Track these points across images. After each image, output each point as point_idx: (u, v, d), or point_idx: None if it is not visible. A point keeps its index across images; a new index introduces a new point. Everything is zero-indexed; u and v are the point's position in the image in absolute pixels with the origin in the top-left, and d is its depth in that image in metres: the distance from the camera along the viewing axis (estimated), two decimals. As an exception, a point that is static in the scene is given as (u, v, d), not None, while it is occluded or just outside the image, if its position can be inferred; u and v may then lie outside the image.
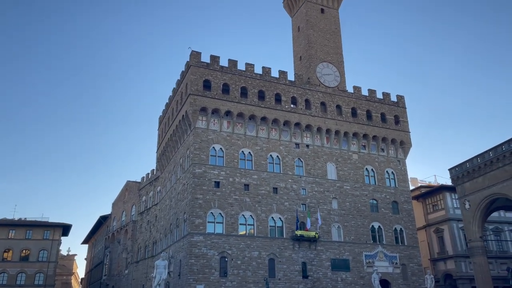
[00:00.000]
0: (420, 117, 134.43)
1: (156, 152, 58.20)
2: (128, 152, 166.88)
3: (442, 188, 53.64)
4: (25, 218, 69.80)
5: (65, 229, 69.14)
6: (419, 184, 62.15)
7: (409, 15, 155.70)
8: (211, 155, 42.52)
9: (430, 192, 55.37)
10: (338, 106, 50.15)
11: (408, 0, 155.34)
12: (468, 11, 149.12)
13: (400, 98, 54.56)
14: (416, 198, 55.71)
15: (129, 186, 67.82)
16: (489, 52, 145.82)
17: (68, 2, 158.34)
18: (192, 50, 44.49)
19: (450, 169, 44.28)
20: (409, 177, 52.76)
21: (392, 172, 50.92)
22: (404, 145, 52.23)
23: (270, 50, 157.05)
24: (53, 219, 70.99)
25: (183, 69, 47.11)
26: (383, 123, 51.89)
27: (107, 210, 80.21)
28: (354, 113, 50.72)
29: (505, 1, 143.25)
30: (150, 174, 61.30)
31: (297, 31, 57.32)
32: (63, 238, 70.57)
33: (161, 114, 58.04)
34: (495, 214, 48.80)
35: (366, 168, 49.65)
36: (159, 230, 52.44)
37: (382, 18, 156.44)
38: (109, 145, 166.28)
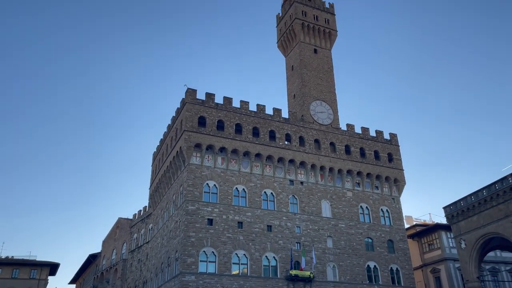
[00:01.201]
0: (414, 154, 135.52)
1: (149, 188, 57.66)
2: (120, 188, 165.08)
3: (438, 227, 53.22)
4: (12, 257, 67.75)
5: (53, 268, 67.05)
6: (414, 223, 61.66)
7: (401, 53, 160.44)
8: (204, 192, 42.17)
9: (425, 231, 54.84)
10: (332, 144, 50.54)
11: (400, 39, 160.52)
12: (462, 48, 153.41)
13: (393, 136, 55.22)
14: (412, 237, 55.09)
15: (121, 223, 66.57)
16: (482, 90, 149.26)
17: (58, 38, 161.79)
18: (188, 88, 45.21)
19: (444, 208, 44.15)
20: (404, 215, 52.48)
21: (386, 210, 50.65)
22: (398, 183, 52.30)
23: (264, 88, 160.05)
24: (41, 257, 68.79)
25: (179, 106, 47.61)
26: (377, 160, 52.18)
27: (97, 248, 78.36)
28: (347, 150, 51.06)
29: (497, 40, 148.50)
30: (142, 211, 60.40)
31: (291, 70, 58.69)
32: (50, 278, 68.34)
33: (155, 150, 58.03)
34: (491, 253, 48.28)
35: (361, 206, 49.38)
36: (150, 269, 51.00)
37: (374, 57, 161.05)
38: (100, 181, 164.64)
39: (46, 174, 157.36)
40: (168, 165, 47.71)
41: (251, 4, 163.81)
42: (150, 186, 57.31)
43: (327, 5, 62.36)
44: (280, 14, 64.47)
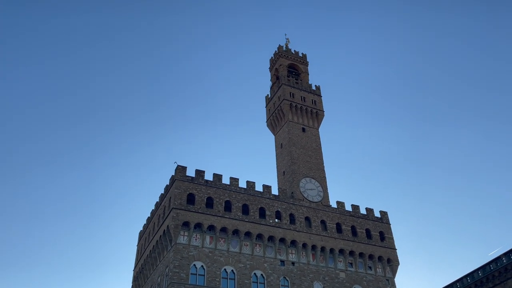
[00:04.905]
0: (406, 232, 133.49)
1: (133, 270, 54.93)
2: (103, 269, 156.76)
3: (436, 311, 50.74)
4: None
5: None
6: (411, 306, 58.88)
7: (389, 130, 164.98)
8: (191, 274, 40.18)
9: (423, 315, 52.18)
10: (323, 221, 49.78)
11: (387, 115, 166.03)
12: (449, 122, 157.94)
13: (384, 214, 54.78)
14: (410, 321, 52.23)
15: (100, 308, 62.22)
16: (473, 159, 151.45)
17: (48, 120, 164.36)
18: (178, 165, 45.25)
19: (441, 289, 42.57)
20: (400, 298, 50.23)
21: (381, 292, 48.47)
22: (391, 263, 50.75)
23: (254, 164, 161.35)
24: None
25: (168, 183, 47.25)
26: (369, 239, 51.12)
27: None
28: (339, 228, 50.18)
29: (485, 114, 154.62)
30: (124, 294, 56.93)
31: (280, 147, 59.76)
32: None
33: (141, 229, 56.33)
34: None
35: (355, 288, 47.27)
36: None
37: (362, 133, 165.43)
38: (81, 261, 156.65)
39: (19, 252, 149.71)
40: (154, 244, 46.02)
41: (241, 86, 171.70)
42: (135, 267, 54.67)
43: (313, 87, 65.59)
44: (269, 96, 67.39)
